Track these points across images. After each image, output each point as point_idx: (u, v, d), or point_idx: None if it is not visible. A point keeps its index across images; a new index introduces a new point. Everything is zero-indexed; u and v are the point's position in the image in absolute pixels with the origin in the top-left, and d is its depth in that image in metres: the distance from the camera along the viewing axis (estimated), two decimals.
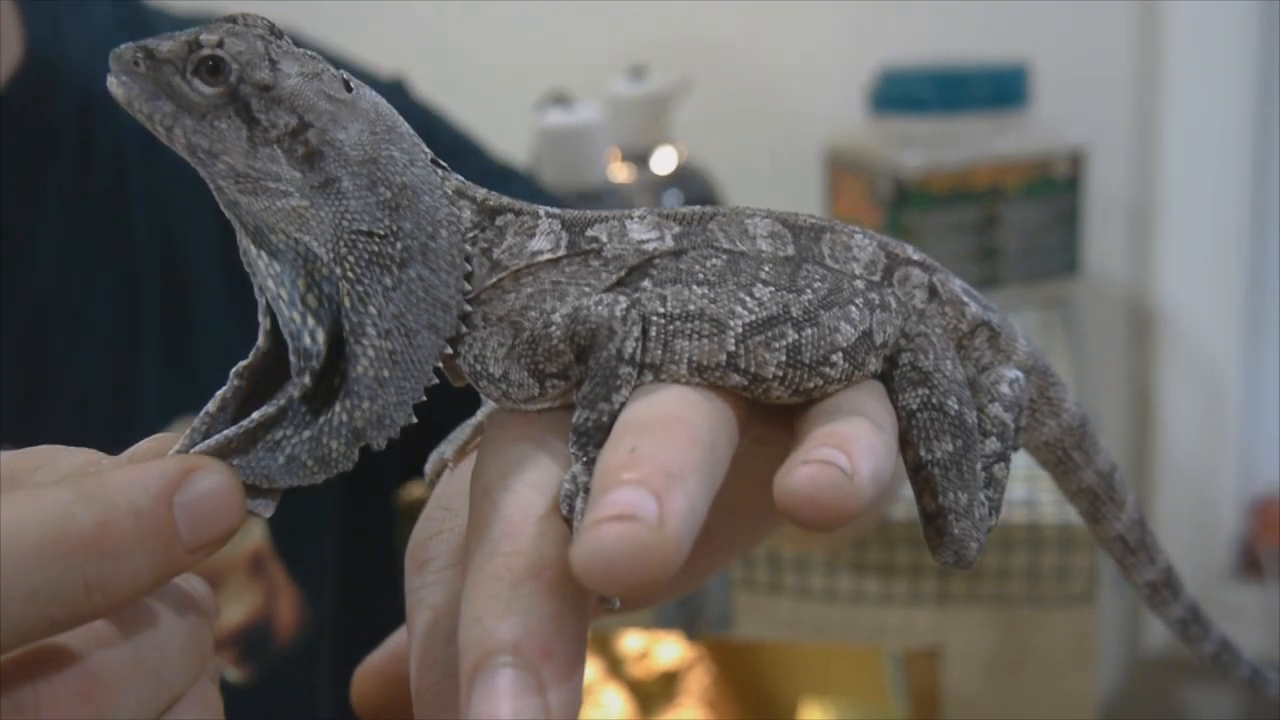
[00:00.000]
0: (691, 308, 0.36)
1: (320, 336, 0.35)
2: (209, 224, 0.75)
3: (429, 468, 0.42)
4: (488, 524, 0.32)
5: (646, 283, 0.36)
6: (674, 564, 0.28)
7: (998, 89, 1.28)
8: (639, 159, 1.27)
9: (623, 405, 0.34)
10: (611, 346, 0.34)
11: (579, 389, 0.35)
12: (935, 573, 0.88)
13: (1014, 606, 0.88)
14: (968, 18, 1.42)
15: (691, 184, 1.27)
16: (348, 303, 0.34)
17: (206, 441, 0.34)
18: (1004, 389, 0.40)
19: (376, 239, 0.35)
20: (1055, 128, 1.30)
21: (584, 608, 0.31)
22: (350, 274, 0.34)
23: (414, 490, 0.90)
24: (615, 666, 1.36)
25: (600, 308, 0.35)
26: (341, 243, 0.34)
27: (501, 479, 0.34)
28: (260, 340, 0.36)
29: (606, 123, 1.18)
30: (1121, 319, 1.47)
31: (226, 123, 0.34)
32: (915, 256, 0.40)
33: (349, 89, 0.35)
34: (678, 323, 0.36)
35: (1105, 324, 1.46)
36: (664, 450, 0.31)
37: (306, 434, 0.35)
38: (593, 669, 1.34)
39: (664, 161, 1.28)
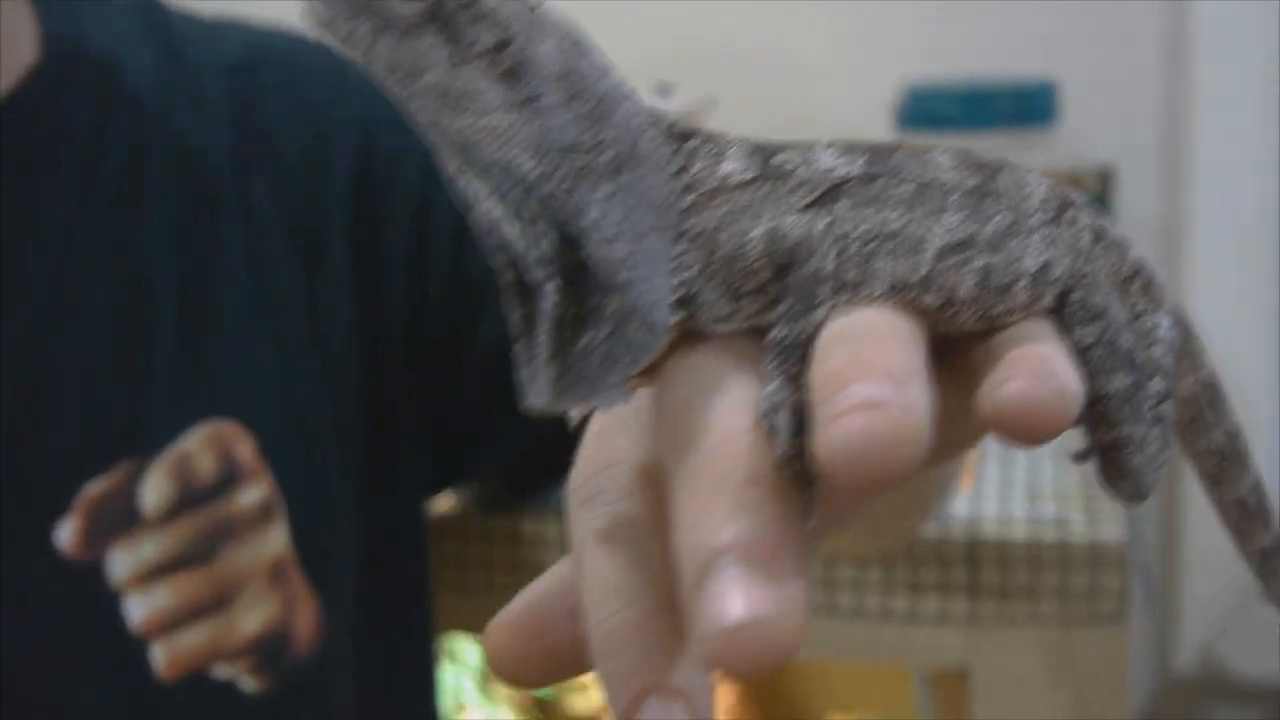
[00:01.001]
0: (888, 229, 0.36)
1: (552, 237, 0.34)
2: (234, 220, 0.75)
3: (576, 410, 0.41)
4: (692, 437, 0.32)
5: (840, 205, 0.36)
6: (919, 453, 0.28)
7: (1024, 106, 1.27)
8: None
9: (820, 324, 0.34)
10: (812, 264, 0.34)
11: (773, 308, 0.34)
12: (964, 591, 0.88)
13: (1044, 626, 0.87)
14: (994, 35, 1.42)
15: None
16: (565, 215, 0.34)
17: (539, 386, 0.34)
18: (1162, 333, 0.40)
19: (583, 151, 0.34)
20: (1083, 145, 1.29)
21: (801, 519, 0.30)
22: (562, 187, 0.34)
23: (441, 504, 0.90)
24: None
25: (800, 226, 0.35)
26: (548, 159, 0.34)
27: (697, 397, 0.33)
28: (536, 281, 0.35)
29: None
30: None
31: (428, 40, 0.33)
32: (1080, 201, 0.40)
33: (535, 4, 0.35)
34: (875, 242, 0.35)
35: None
36: (885, 354, 0.31)
37: (606, 330, 0.34)
38: None
39: None
